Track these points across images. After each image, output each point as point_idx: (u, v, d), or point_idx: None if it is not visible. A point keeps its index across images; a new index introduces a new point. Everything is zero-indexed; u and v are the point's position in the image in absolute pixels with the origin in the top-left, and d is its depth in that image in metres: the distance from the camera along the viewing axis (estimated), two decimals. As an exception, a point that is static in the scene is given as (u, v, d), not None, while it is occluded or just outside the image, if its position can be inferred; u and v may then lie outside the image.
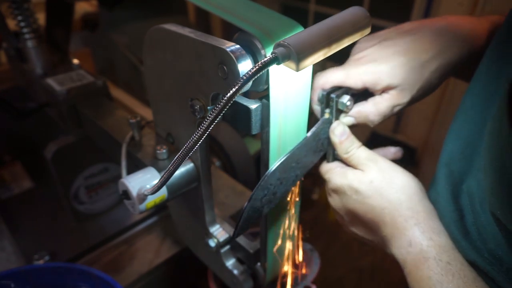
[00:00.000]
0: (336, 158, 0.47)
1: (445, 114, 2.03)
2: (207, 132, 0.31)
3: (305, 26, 0.33)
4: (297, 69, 0.30)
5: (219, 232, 0.55)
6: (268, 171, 0.39)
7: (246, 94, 0.35)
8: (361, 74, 0.42)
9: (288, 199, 0.47)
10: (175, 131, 0.50)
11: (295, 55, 0.30)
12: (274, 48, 0.31)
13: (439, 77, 0.44)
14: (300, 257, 0.55)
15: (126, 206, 0.48)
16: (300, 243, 0.54)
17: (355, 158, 0.44)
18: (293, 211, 0.49)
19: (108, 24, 1.76)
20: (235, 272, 0.55)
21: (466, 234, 0.37)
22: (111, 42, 1.75)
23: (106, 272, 0.52)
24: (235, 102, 0.37)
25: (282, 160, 0.40)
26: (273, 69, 0.33)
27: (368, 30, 0.36)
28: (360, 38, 0.36)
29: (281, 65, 0.31)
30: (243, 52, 0.33)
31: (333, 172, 0.45)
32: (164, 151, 0.50)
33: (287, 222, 0.49)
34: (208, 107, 0.39)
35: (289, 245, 0.52)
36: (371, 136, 2.31)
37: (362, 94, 0.44)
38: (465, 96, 0.42)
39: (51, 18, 0.92)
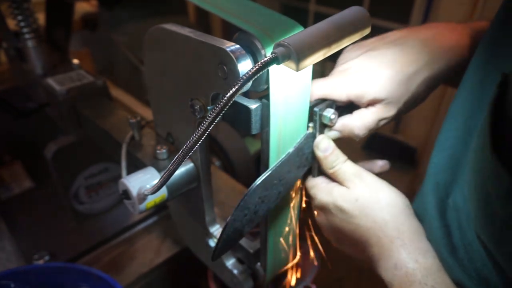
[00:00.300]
0: (321, 172, 0.45)
1: (445, 114, 2.02)
2: (207, 132, 0.31)
3: (305, 26, 0.33)
4: (297, 69, 0.30)
5: (219, 232, 0.55)
6: (248, 191, 0.38)
7: (246, 94, 0.35)
8: (346, 87, 0.41)
9: (289, 198, 0.47)
10: (175, 131, 0.50)
11: (295, 55, 0.30)
12: (274, 48, 0.31)
13: (426, 88, 0.43)
14: (299, 257, 0.55)
15: (126, 206, 0.48)
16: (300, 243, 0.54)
17: (341, 174, 0.42)
18: (293, 210, 0.49)
19: (108, 24, 1.76)
20: (235, 272, 0.55)
21: (453, 252, 0.36)
22: (111, 42, 1.75)
23: (106, 272, 0.52)
24: (235, 102, 0.36)
25: (263, 178, 0.38)
26: (273, 69, 0.33)
27: (368, 30, 0.36)
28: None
29: (281, 65, 0.31)
30: (243, 52, 0.33)
31: (318, 189, 0.44)
32: (164, 151, 0.50)
33: (287, 222, 0.49)
34: (208, 107, 0.39)
35: (289, 245, 0.52)
36: (371, 136, 2.31)
37: (347, 107, 0.43)
38: (450, 105, 0.41)
39: (51, 18, 0.92)
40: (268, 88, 0.34)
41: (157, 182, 0.39)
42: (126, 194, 0.46)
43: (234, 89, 0.29)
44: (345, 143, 0.44)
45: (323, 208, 0.44)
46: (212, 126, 0.31)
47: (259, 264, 0.53)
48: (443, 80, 0.45)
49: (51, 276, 0.54)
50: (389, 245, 0.38)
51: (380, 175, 0.44)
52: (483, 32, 0.42)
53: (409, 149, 2.26)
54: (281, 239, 0.50)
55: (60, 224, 0.83)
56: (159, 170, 0.48)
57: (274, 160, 0.40)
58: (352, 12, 0.35)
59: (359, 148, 2.32)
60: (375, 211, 0.40)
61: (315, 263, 0.59)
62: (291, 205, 0.48)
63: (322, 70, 0.45)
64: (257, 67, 0.29)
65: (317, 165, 0.44)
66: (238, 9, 0.35)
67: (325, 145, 0.42)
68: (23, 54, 0.81)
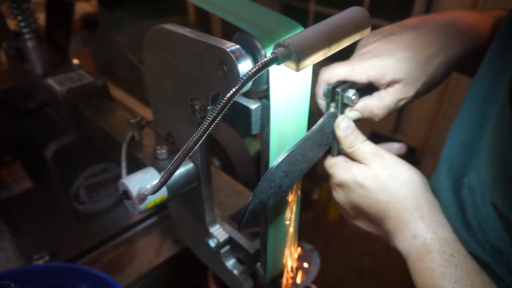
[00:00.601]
0: (340, 152, 0.47)
1: (445, 114, 2.03)
2: (207, 132, 0.31)
3: (305, 26, 0.33)
4: (297, 69, 0.30)
5: (219, 232, 0.55)
6: (274, 163, 0.39)
7: (246, 94, 0.35)
8: (366, 69, 0.42)
9: (289, 198, 0.47)
10: (175, 131, 0.50)
11: (295, 55, 0.30)
12: (274, 48, 0.31)
13: (443, 72, 0.44)
14: (300, 257, 0.55)
15: (126, 206, 0.48)
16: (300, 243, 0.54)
17: (360, 153, 0.44)
18: (293, 210, 0.49)
19: (108, 24, 1.76)
20: (235, 272, 0.55)
21: (468, 227, 0.38)
22: (111, 42, 1.75)
23: (106, 272, 0.52)
24: (235, 102, 0.37)
25: (288, 152, 0.40)
26: (273, 69, 0.33)
27: (368, 30, 0.36)
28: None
29: (281, 65, 0.31)
30: (243, 52, 0.33)
31: (337, 167, 0.46)
32: (164, 151, 0.50)
33: (287, 222, 0.49)
34: (208, 107, 0.39)
35: (289, 245, 0.52)
36: (371, 136, 2.31)
37: (367, 89, 0.44)
38: (468, 92, 0.43)
39: (51, 18, 0.92)
40: (268, 88, 0.34)
41: (157, 182, 0.39)
42: (126, 194, 0.46)
43: (234, 89, 0.29)
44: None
45: (342, 185, 0.45)
46: (212, 126, 0.31)
47: (259, 264, 0.53)
48: (460, 64, 0.45)
49: (51, 276, 0.54)
50: (408, 217, 0.40)
51: None
52: (500, 19, 0.44)
53: (409, 149, 2.26)
54: (281, 239, 0.50)
55: (60, 224, 0.83)
56: (159, 170, 0.48)
57: (274, 159, 0.40)
58: (352, 12, 0.35)
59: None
60: (394, 187, 0.41)
61: (315, 263, 0.59)
62: (291, 205, 0.48)
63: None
64: (257, 67, 0.29)
65: (337, 146, 0.46)
66: (238, 9, 0.35)
67: (345, 125, 0.44)
68: (23, 54, 0.81)
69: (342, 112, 0.44)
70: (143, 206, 0.46)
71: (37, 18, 0.80)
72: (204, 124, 0.31)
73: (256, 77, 0.29)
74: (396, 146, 0.50)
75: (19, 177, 0.97)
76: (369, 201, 0.42)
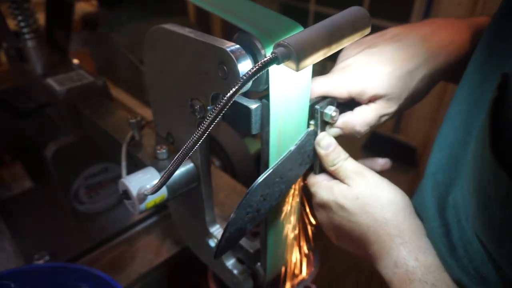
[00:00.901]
0: (323, 169, 0.45)
1: (445, 114, 2.03)
2: (207, 132, 0.31)
3: (305, 26, 0.33)
4: (297, 69, 0.30)
5: (219, 232, 0.55)
6: (250, 188, 0.38)
7: (246, 94, 0.35)
8: (347, 84, 0.41)
9: (289, 198, 0.47)
10: (175, 131, 0.50)
11: (295, 55, 0.30)
12: (274, 48, 0.31)
13: (426, 85, 0.43)
14: (299, 256, 0.55)
15: (126, 206, 0.48)
16: (301, 243, 0.54)
17: (342, 171, 0.42)
18: (293, 210, 0.49)
19: (108, 24, 1.76)
20: (235, 272, 0.55)
21: (453, 251, 0.36)
22: (111, 42, 1.75)
23: (106, 272, 0.52)
24: (235, 102, 0.37)
25: (265, 176, 0.38)
26: (273, 69, 0.33)
27: (368, 30, 0.36)
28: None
29: (281, 65, 0.31)
30: (243, 52, 0.33)
31: (319, 186, 0.44)
32: (164, 151, 0.50)
33: (287, 222, 0.49)
34: (208, 107, 0.39)
35: (289, 245, 0.52)
36: (371, 136, 2.31)
37: (348, 104, 0.43)
38: (450, 105, 0.41)
39: (51, 18, 0.92)
40: (268, 88, 0.34)
41: (157, 182, 0.39)
42: (126, 194, 0.46)
43: (234, 89, 0.29)
44: (344, 143, 0.44)
45: (324, 206, 0.44)
46: (212, 126, 0.31)
47: (259, 264, 0.53)
48: (444, 76, 0.45)
49: (51, 276, 0.54)
50: (389, 243, 0.38)
51: (381, 173, 0.44)
52: (483, 27, 0.42)
53: (409, 149, 2.26)
54: (281, 239, 0.50)
55: (60, 224, 0.83)
56: (159, 170, 0.48)
57: (274, 160, 0.40)
58: (352, 12, 0.35)
59: (359, 148, 2.32)
60: (375, 209, 0.40)
61: (315, 263, 0.59)
62: (291, 205, 0.48)
63: (322, 70, 0.45)
64: (257, 67, 0.29)
65: (318, 163, 0.44)
66: (238, 9, 0.35)
67: (326, 143, 0.42)
68: (23, 54, 0.81)
69: (322, 130, 0.43)
70: (143, 206, 0.46)
71: (37, 18, 0.80)
72: (204, 124, 0.31)
73: (256, 77, 0.29)
74: (381, 161, 0.48)
75: (19, 177, 0.97)
76: (350, 224, 0.41)
